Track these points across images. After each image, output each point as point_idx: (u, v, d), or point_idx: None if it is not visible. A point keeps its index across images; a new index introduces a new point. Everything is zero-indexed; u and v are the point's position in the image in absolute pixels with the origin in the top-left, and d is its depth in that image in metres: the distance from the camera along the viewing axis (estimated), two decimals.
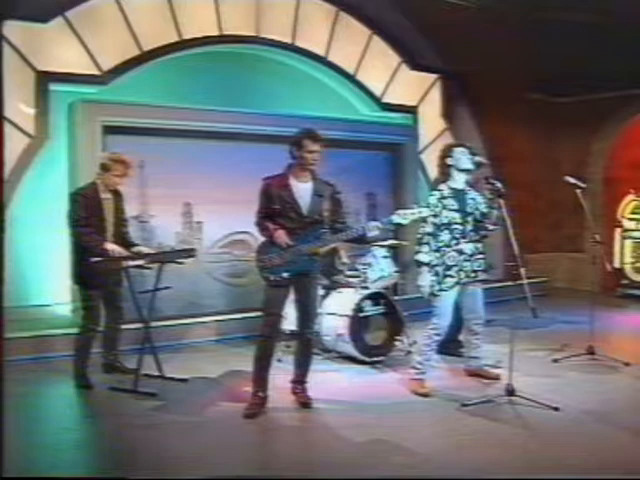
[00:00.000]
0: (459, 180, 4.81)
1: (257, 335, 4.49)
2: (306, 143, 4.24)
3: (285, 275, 4.31)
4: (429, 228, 4.71)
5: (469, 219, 4.76)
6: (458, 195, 4.77)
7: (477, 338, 5.01)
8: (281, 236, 4.26)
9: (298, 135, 4.29)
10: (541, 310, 4.84)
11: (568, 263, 8.99)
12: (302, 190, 4.34)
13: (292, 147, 4.31)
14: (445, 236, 4.71)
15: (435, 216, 4.69)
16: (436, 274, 4.69)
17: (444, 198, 4.76)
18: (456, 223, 4.71)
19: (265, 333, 4.39)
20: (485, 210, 4.79)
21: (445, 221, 4.70)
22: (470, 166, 4.78)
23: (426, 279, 4.70)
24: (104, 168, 4.93)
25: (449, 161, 4.81)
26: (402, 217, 4.27)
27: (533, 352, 5.85)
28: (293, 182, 4.34)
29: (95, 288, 4.94)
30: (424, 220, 4.68)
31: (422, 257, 4.71)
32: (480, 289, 4.89)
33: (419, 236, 4.75)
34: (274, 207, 4.30)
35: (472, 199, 4.81)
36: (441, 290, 4.69)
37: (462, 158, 4.77)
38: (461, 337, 5.35)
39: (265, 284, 4.38)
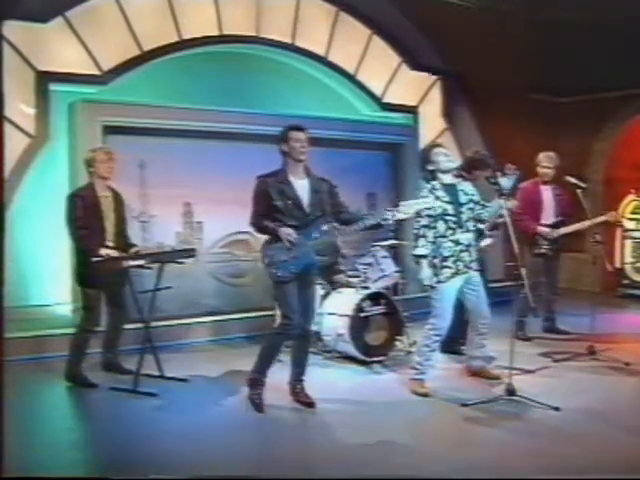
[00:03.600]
0: (445, 178, 4.82)
1: (274, 329, 4.51)
2: (291, 134, 4.36)
3: (293, 271, 4.31)
4: (425, 221, 4.71)
5: (463, 209, 4.76)
6: (448, 189, 4.78)
7: (482, 338, 5.00)
8: (287, 231, 4.25)
9: (282, 131, 4.42)
10: (541, 310, 4.87)
11: (568, 263, 8.96)
12: (301, 187, 4.38)
13: (280, 144, 4.40)
14: (440, 226, 4.72)
15: (429, 207, 4.70)
16: (433, 266, 4.69)
17: (435, 189, 4.77)
18: (449, 214, 4.72)
19: (281, 330, 4.43)
20: (479, 200, 4.84)
21: (439, 211, 4.71)
22: (451, 165, 4.80)
23: (425, 271, 4.70)
24: (89, 163, 5.02)
25: (430, 167, 4.82)
26: (405, 210, 4.32)
27: (534, 351, 5.86)
28: (292, 179, 4.38)
29: (97, 288, 4.95)
30: (419, 214, 4.69)
31: (419, 251, 4.71)
32: (482, 285, 4.88)
33: (415, 231, 4.76)
34: (275, 204, 4.31)
35: (463, 191, 4.82)
36: (439, 282, 4.68)
37: (442, 160, 4.77)
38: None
39: (273, 282, 4.39)
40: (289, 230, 4.27)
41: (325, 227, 4.37)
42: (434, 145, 5.04)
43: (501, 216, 4.75)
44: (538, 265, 6.11)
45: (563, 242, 6.34)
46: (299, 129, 4.38)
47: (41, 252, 6.00)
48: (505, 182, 4.67)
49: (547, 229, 6.17)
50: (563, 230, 6.23)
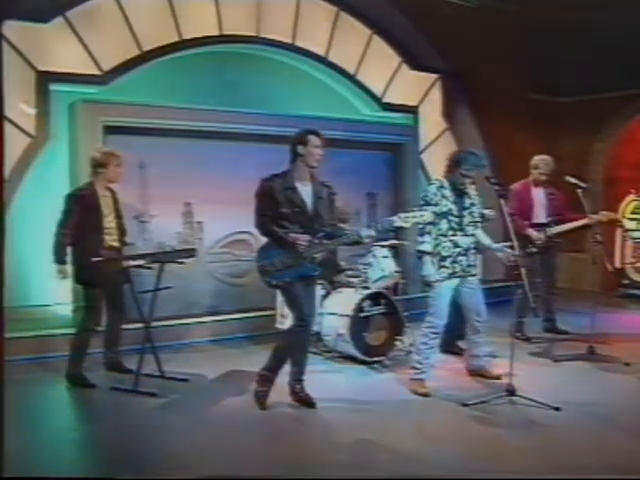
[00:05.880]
0: (459, 186, 4.82)
1: (290, 328, 4.52)
2: (312, 139, 4.24)
3: (287, 280, 4.29)
4: (430, 218, 4.70)
5: (465, 213, 4.77)
6: (456, 189, 4.78)
7: (479, 337, 5.00)
8: (299, 238, 4.20)
9: (302, 133, 4.28)
10: (541, 310, 4.86)
11: (568, 263, 8.99)
12: (305, 193, 4.31)
13: (296, 145, 4.27)
14: (443, 225, 4.73)
15: (435, 205, 4.70)
16: (432, 263, 4.71)
17: (443, 187, 4.77)
18: (453, 214, 4.73)
19: (297, 330, 4.40)
20: (480, 209, 4.89)
21: (444, 209, 4.72)
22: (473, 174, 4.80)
23: (428, 267, 4.72)
24: (101, 165, 4.99)
25: (458, 168, 4.78)
26: (403, 220, 4.27)
27: (534, 352, 5.87)
28: (298, 184, 4.30)
29: (96, 286, 4.95)
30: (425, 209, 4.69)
31: (424, 247, 4.73)
32: (479, 286, 4.89)
33: (420, 226, 4.74)
34: (282, 211, 4.24)
35: (467, 195, 4.82)
36: (436, 280, 4.70)
37: (467, 173, 4.75)
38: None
39: (279, 287, 4.39)
40: (301, 237, 4.20)
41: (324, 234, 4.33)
42: (467, 152, 4.93)
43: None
44: (533, 264, 6.09)
45: (559, 241, 6.32)
46: (320, 136, 4.27)
47: (41, 252, 5.99)
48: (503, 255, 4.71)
49: (535, 232, 6.14)
50: (555, 229, 6.21)
